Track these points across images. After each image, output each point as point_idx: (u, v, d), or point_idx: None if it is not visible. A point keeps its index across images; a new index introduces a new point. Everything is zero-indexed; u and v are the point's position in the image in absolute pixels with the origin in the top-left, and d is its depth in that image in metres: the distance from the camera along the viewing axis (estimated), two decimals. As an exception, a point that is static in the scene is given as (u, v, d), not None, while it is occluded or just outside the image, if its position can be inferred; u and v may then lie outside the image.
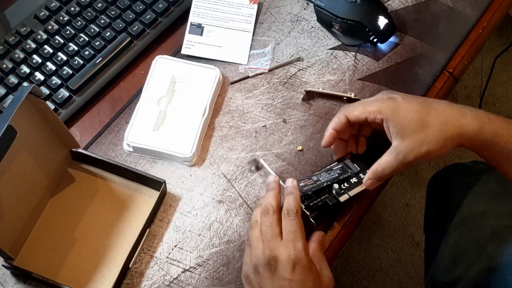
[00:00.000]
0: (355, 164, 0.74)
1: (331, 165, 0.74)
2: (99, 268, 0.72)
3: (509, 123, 0.69)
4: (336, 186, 0.70)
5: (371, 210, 1.56)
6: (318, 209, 0.69)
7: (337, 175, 0.72)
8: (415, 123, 0.66)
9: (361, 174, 0.72)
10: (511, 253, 0.85)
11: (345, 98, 0.83)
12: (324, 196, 0.70)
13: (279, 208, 0.66)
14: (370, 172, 0.70)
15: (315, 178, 0.71)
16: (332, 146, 0.76)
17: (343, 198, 0.70)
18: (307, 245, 0.65)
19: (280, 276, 0.62)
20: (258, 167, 0.77)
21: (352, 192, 0.70)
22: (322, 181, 0.71)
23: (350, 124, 0.72)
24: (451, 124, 0.67)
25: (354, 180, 0.72)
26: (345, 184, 0.71)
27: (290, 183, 0.69)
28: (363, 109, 0.70)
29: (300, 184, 0.70)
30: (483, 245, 0.88)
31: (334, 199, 0.70)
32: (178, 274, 0.72)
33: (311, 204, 0.69)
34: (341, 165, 0.74)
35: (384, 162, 0.68)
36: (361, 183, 0.71)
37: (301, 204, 0.67)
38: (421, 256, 1.53)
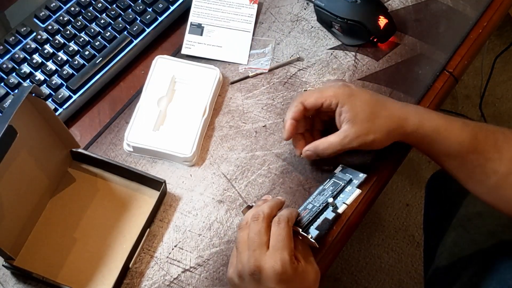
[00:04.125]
0: (346, 174, 0.73)
1: (323, 185, 0.73)
2: (99, 268, 0.72)
3: (449, 121, 0.71)
4: (330, 200, 0.69)
5: (371, 210, 1.56)
6: (319, 229, 0.67)
7: (330, 192, 0.71)
8: (366, 113, 0.70)
9: (354, 181, 0.72)
10: (508, 253, 0.85)
11: None
12: (322, 214, 0.69)
13: (270, 217, 0.65)
14: (311, 146, 0.73)
15: (310, 206, 0.70)
16: (292, 141, 0.76)
17: (342, 209, 0.69)
18: (293, 252, 0.63)
19: (265, 286, 0.61)
20: None
21: (349, 201, 0.69)
22: (317, 205, 0.69)
23: (306, 113, 0.74)
24: (396, 117, 0.71)
25: (348, 188, 0.71)
26: (341, 196, 0.70)
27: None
28: (320, 95, 0.72)
29: (297, 219, 0.68)
30: (480, 245, 0.88)
31: (332, 213, 0.68)
32: (178, 274, 0.72)
33: (311, 226, 0.68)
34: (332, 181, 0.73)
35: (328, 142, 0.72)
36: (355, 190, 0.70)
37: (299, 229, 0.66)
38: (421, 256, 1.53)
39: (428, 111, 0.73)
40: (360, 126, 0.70)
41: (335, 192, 0.71)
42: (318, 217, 0.68)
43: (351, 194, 0.70)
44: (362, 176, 0.72)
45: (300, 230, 0.66)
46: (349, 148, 0.71)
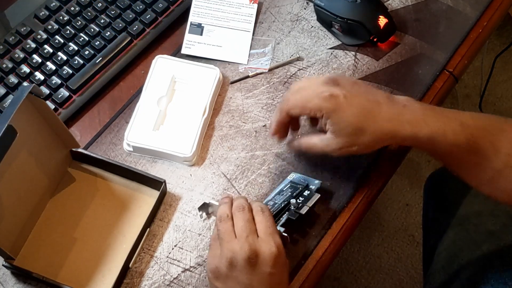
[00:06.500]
0: (301, 180, 0.75)
1: (280, 187, 0.75)
2: (99, 267, 0.72)
3: (446, 124, 0.69)
4: (293, 201, 0.71)
5: (371, 210, 1.56)
6: (284, 227, 0.70)
7: (290, 193, 0.73)
8: (352, 128, 0.68)
9: (311, 186, 0.74)
10: (506, 252, 0.85)
11: None
12: (285, 214, 0.71)
13: (251, 209, 0.68)
14: (297, 141, 0.74)
15: (271, 203, 0.72)
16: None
17: (303, 210, 0.71)
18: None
19: (260, 270, 0.63)
20: (208, 212, 0.75)
21: (310, 203, 0.72)
22: (279, 202, 0.72)
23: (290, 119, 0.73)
24: (386, 131, 0.68)
25: (306, 192, 0.73)
26: (300, 198, 0.72)
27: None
28: (304, 106, 0.69)
29: None
30: (479, 244, 0.88)
31: (295, 213, 0.71)
32: (178, 274, 0.72)
33: (277, 223, 0.70)
34: (289, 184, 0.75)
35: (312, 143, 0.72)
36: (314, 194, 0.72)
37: None
38: (421, 256, 1.52)
39: (424, 115, 0.69)
40: (343, 139, 0.68)
41: (295, 194, 0.73)
42: (281, 215, 0.71)
43: (311, 197, 0.72)
44: (318, 182, 0.74)
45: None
46: (332, 155, 0.71)
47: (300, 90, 0.71)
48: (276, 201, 0.72)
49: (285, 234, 0.68)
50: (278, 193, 0.74)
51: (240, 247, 0.63)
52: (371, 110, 0.68)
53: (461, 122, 0.69)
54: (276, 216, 0.70)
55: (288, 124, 0.74)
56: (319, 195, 0.73)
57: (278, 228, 0.68)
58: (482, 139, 0.69)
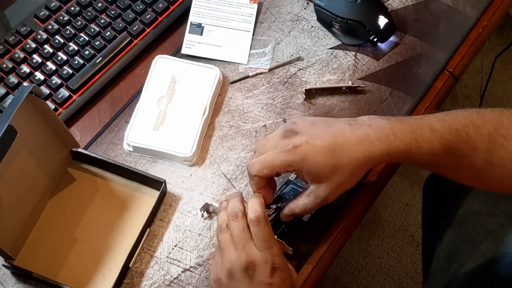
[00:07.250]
0: (303, 182, 0.73)
1: (281, 190, 0.74)
2: (99, 267, 0.72)
3: (417, 133, 0.67)
4: None
5: (371, 210, 1.56)
6: (287, 235, 0.70)
7: (292, 197, 0.72)
8: (327, 168, 0.66)
9: None
10: (504, 250, 0.86)
11: (344, 88, 0.83)
12: (289, 224, 0.71)
13: (245, 212, 0.66)
14: (288, 209, 0.70)
15: (274, 206, 0.72)
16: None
17: (306, 217, 0.71)
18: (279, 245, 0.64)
19: (259, 281, 0.62)
20: (209, 211, 0.75)
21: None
22: (282, 207, 0.71)
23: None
24: (360, 157, 0.66)
25: None
26: None
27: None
28: (271, 166, 0.67)
29: None
30: (477, 243, 0.88)
31: (298, 221, 0.70)
32: (178, 274, 0.72)
33: (279, 232, 0.69)
34: (290, 187, 0.74)
35: (302, 205, 0.68)
36: None
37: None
38: (421, 255, 1.52)
39: (392, 129, 0.67)
40: (325, 184, 0.66)
41: None
42: (284, 223, 0.71)
43: None
44: None
45: (275, 237, 0.66)
46: (327, 203, 0.68)
47: (262, 150, 0.69)
48: (279, 205, 0.71)
49: (289, 247, 0.67)
50: (280, 196, 0.73)
51: (237, 257, 0.62)
52: (337, 142, 0.66)
53: (431, 128, 0.67)
54: (278, 223, 0.70)
55: (266, 181, 0.70)
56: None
57: (281, 240, 0.67)
58: (457, 140, 0.67)
